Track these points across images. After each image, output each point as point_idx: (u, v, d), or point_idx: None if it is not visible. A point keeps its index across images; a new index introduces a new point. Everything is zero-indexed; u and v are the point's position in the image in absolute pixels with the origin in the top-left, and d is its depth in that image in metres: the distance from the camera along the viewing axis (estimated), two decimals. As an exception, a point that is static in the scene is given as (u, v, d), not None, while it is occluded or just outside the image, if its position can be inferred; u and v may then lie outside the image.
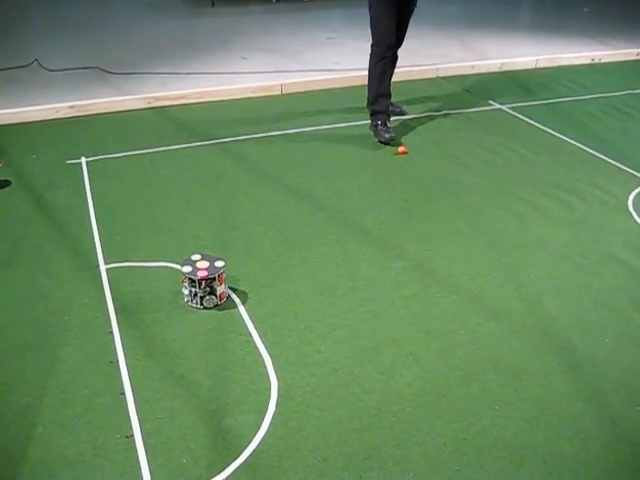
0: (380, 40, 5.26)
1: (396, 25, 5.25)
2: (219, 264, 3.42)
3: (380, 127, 5.38)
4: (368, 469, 2.55)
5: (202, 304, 3.38)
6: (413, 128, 5.69)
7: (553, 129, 5.70)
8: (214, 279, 3.35)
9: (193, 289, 3.36)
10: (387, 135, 5.33)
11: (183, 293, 3.43)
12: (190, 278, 3.35)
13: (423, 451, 2.62)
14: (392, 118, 5.55)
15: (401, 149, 5.13)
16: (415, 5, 5.39)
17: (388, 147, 5.28)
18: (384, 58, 5.29)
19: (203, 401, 2.84)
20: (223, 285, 3.42)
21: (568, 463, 2.58)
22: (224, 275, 3.42)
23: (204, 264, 3.41)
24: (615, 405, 2.85)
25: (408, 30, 5.45)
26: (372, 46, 5.33)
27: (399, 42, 5.50)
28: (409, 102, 6.21)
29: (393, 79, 5.50)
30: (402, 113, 5.91)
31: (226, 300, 3.46)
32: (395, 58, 5.56)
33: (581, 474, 2.53)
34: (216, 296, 3.39)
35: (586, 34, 8.58)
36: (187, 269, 3.38)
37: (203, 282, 3.33)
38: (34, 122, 5.71)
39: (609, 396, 2.90)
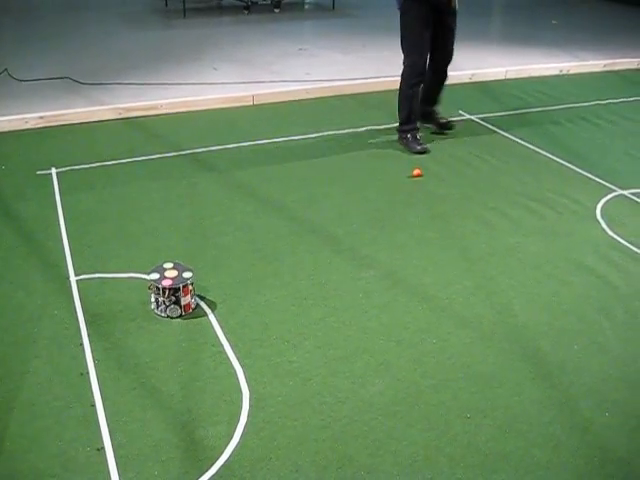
0: (413, 64, 5.31)
1: (435, 41, 5.26)
2: (187, 275, 3.41)
3: (410, 140, 5.49)
4: (341, 479, 2.54)
5: (166, 313, 3.37)
6: (384, 138, 5.71)
7: (522, 139, 5.76)
8: (178, 289, 3.33)
9: (159, 297, 3.35)
10: (418, 147, 5.44)
11: (150, 300, 3.42)
12: (156, 286, 3.34)
13: (395, 460, 2.63)
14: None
15: (416, 172, 5.04)
16: (455, 16, 5.34)
17: (360, 158, 5.31)
18: (417, 84, 5.38)
19: (174, 412, 2.83)
20: (189, 296, 3.40)
21: (539, 470, 2.60)
22: (191, 287, 3.40)
23: (172, 273, 3.40)
24: (585, 412, 2.88)
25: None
26: (405, 65, 5.37)
27: (445, 58, 5.48)
28: (380, 112, 6.25)
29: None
30: (447, 127, 5.86)
31: (192, 311, 3.44)
32: (442, 77, 5.58)
33: (552, 481, 2.56)
34: (180, 307, 3.38)
35: (555, 46, 8.68)
36: (154, 276, 3.38)
37: (167, 291, 3.32)
38: (3, 133, 5.66)
39: (579, 403, 2.93)
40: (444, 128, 5.86)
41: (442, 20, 5.27)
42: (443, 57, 5.48)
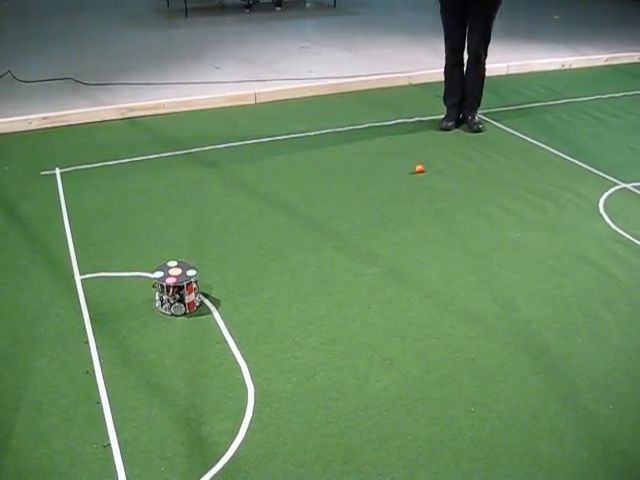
0: (445, 43, 5.81)
1: (463, 31, 5.64)
2: (191, 273, 3.42)
3: (443, 117, 5.95)
4: (346, 473, 2.56)
5: (170, 311, 3.39)
6: (386, 135, 5.72)
7: (525, 134, 5.76)
8: (182, 287, 3.35)
9: (163, 295, 3.37)
10: (442, 124, 5.91)
11: (155, 299, 3.44)
12: (160, 284, 3.35)
13: (400, 454, 2.64)
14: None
15: (418, 168, 5.04)
16: (486, 12, 5.50)
17: (362, 155, 5.32)
18: (447, 59, 5.87)
19: (180, 409, 2.84)
20: (192, 294, 3.42)
21: (543, 463, 2.61)
22: (194, 285, 3.42)
23: (177, 271, 3.42)
24: (589, 404, 2.89)
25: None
26: None
27: (469, 49, 5.71)
28: (382, 109, 6.26)
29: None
30: (472, 128, 5.91)
31: (195, 309, 3.45)
32: (468, 71, 5.85)
33: (556, 473, 2.56)
34: (185, 304, 3.39)
35: (556, 41, 8.68)
36: (158, 274, 3.40)
37: (171, 289, 3.34)
38: (7, 134, 5.68)
39: (583, 396, 2.94)
40: (473, 130, 5.92)
41: (469, 10, 5.51)
42: (468, 49, 5.72)
